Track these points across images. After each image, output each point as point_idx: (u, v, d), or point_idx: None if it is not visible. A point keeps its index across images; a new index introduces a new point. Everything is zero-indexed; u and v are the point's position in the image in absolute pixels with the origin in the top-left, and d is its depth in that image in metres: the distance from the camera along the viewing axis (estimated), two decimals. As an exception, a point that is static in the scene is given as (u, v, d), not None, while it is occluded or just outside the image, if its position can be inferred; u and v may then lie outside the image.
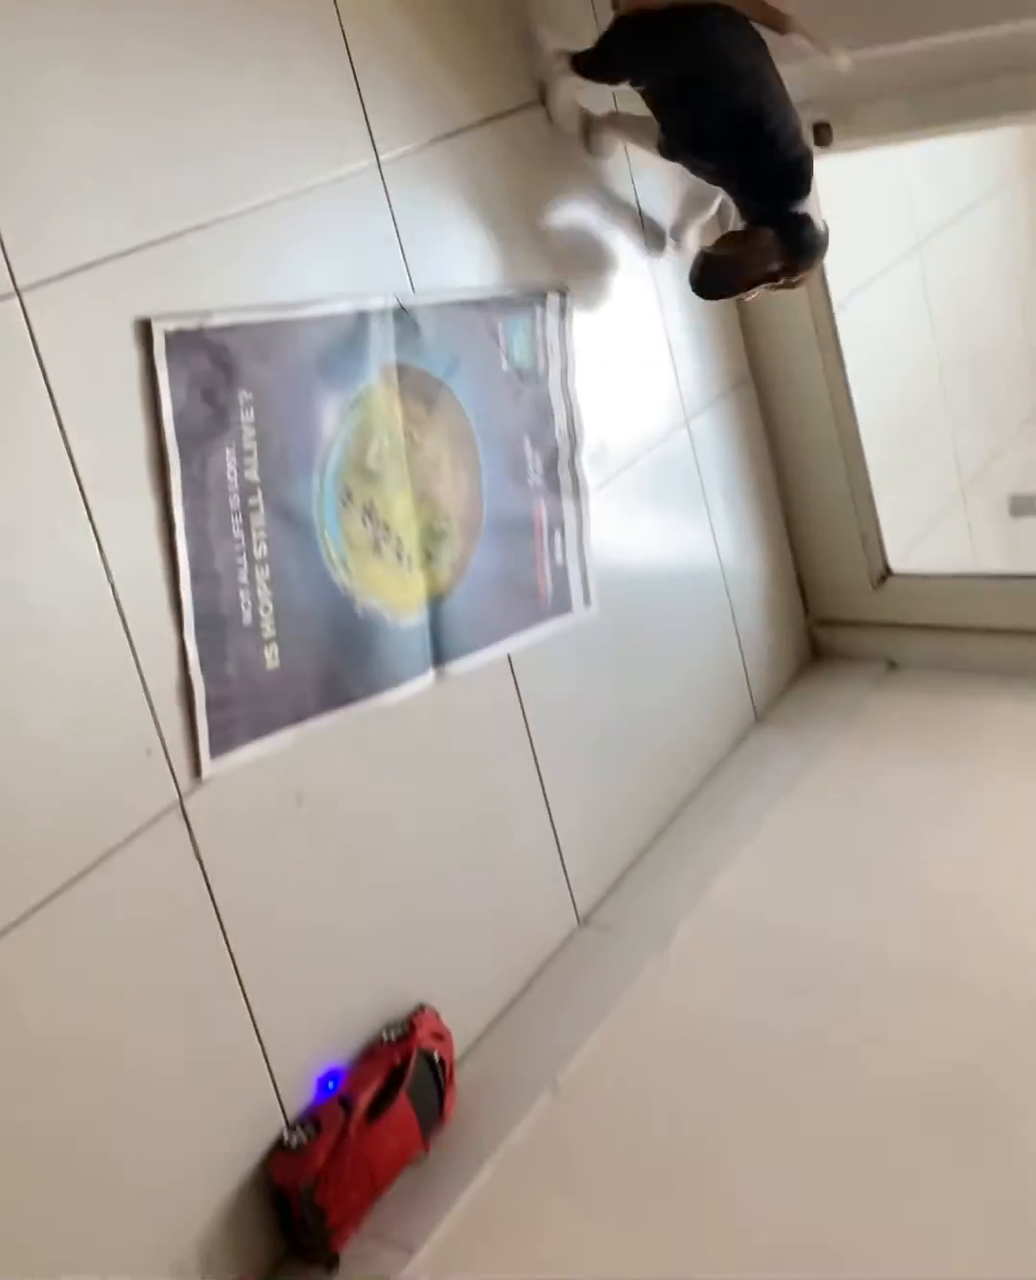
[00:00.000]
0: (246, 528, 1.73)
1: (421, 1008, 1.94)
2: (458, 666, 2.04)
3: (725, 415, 2.65)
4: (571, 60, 2.14)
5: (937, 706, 2.61)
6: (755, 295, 2.20)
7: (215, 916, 1.70)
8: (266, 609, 1.76)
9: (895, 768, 2.47)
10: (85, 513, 1.56)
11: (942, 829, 2.27)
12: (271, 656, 1.77)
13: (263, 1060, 1.76)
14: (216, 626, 1.70)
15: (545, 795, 2.21)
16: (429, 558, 1.99)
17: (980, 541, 3.39)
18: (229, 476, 1.70)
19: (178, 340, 1.64)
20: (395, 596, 1.95)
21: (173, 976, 1.66)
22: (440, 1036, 1.93)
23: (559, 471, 2.22)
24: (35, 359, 1.51)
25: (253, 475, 1.72)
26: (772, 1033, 1.93)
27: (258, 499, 1.74)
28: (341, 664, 1.87)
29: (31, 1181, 1.52)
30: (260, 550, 1.75)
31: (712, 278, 2.17)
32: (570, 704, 2.28)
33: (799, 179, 2.08)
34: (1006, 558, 3.53)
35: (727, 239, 2.18)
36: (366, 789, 1.92)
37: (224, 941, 1.72)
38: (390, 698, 1.94)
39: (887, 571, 2.78)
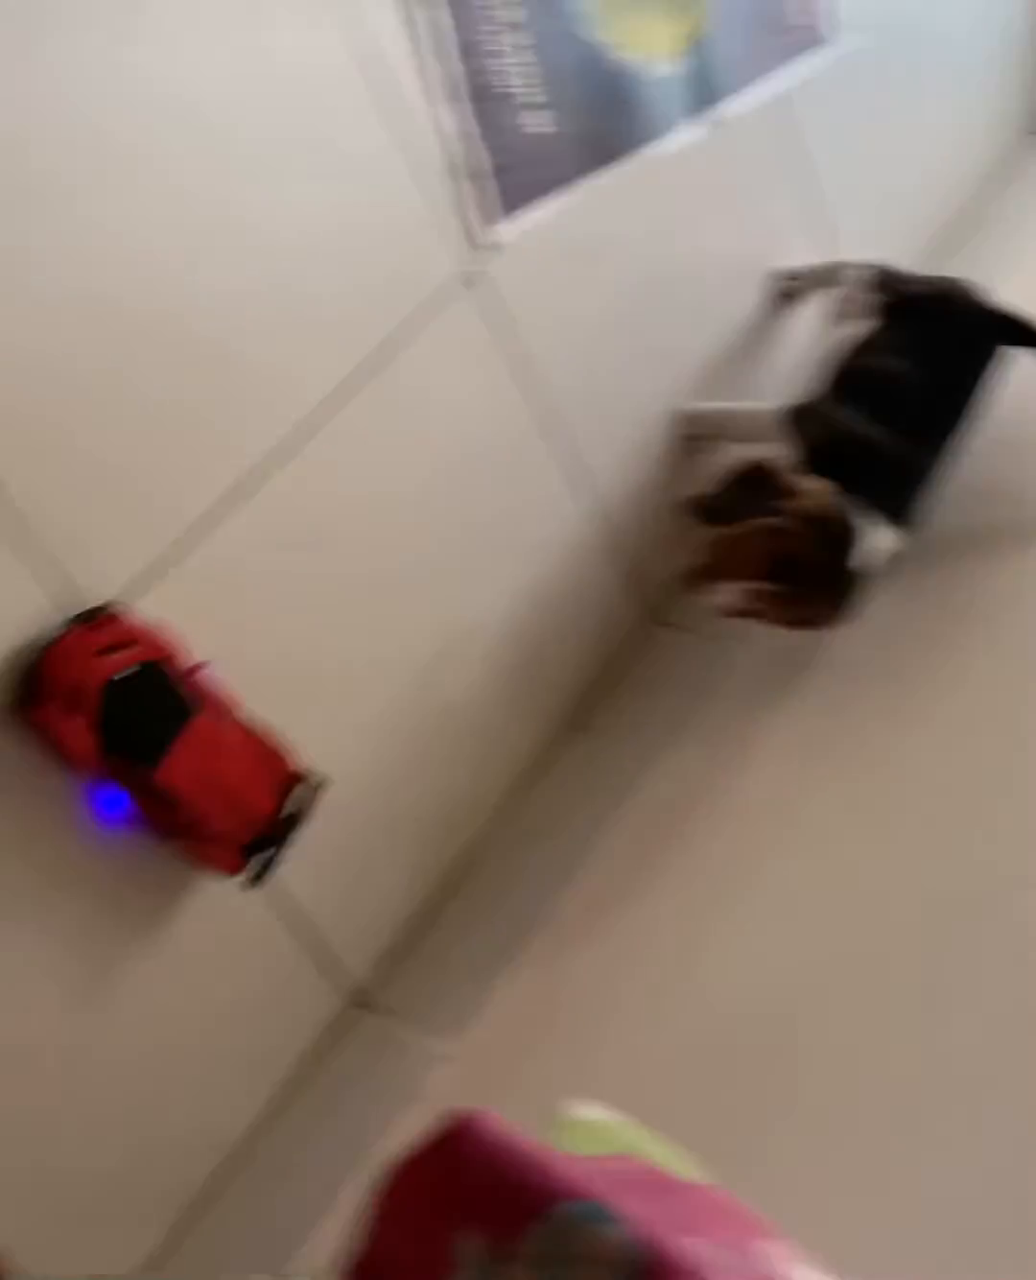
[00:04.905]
0: (495, -8, 1.65)
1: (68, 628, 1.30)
2: (724, 109, 1.95)
3: None
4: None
5: None
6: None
7: (525, 369, 1.75)
8: (528, 75, 1.70)
9: None
10: (338, -6, 1.51)
11: None
12: (539, 121, 1.72)
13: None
14: (482, 98, 1.65)
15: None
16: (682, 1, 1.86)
17: None
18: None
19: None
20: (653, 45, 1.84)
21: (489, 430, 1.73)
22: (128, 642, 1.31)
23: None
24: None
25: (493, -66, 1.63)
26: None
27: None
28: (608, 120, 1.80)
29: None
30: (513, 15, 1.67)
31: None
32: (846, 123, 2.16)
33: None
34: None
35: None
36: (647, 241, 1.89)
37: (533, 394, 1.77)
38: (660, 149, 1.87)
39: None
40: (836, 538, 1.63)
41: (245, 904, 1.46)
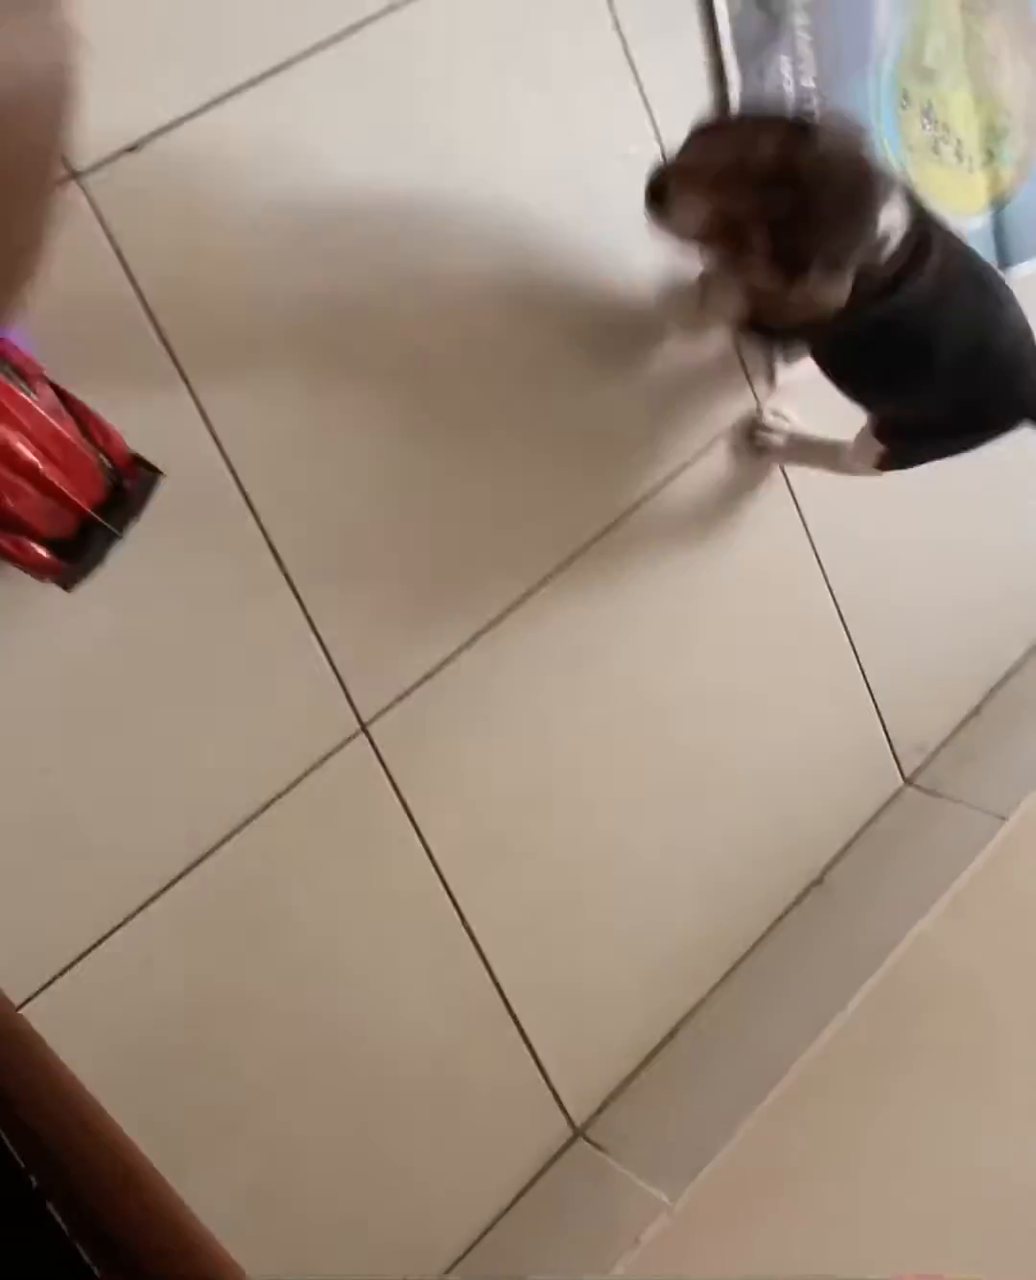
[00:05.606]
0: (805, 136, 1.66)
1: None
2: (1023, 269, 1.91)
3: None
4: None
5: None
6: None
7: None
8: (829, 219, 1.70)
9: None
10: (653, 132, 1.55)
11: None
12: (836, 265, 1.72)
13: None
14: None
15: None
16: (991, 157, 1.85)
17: None
18: (785, 84, 1.62)
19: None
20: (957, 199, 1.83)
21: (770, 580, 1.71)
22: None
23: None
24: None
25: (808, 81, 1.64)
26: None
27: (813, 106, 1.65)
28: (905, 269, 1.79)
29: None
30: (819, 160, 1.67)
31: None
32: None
33: None
34: None
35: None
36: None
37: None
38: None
39: None
40: (853, 183, 1.21)
41: (488, 1001, 1.42)
